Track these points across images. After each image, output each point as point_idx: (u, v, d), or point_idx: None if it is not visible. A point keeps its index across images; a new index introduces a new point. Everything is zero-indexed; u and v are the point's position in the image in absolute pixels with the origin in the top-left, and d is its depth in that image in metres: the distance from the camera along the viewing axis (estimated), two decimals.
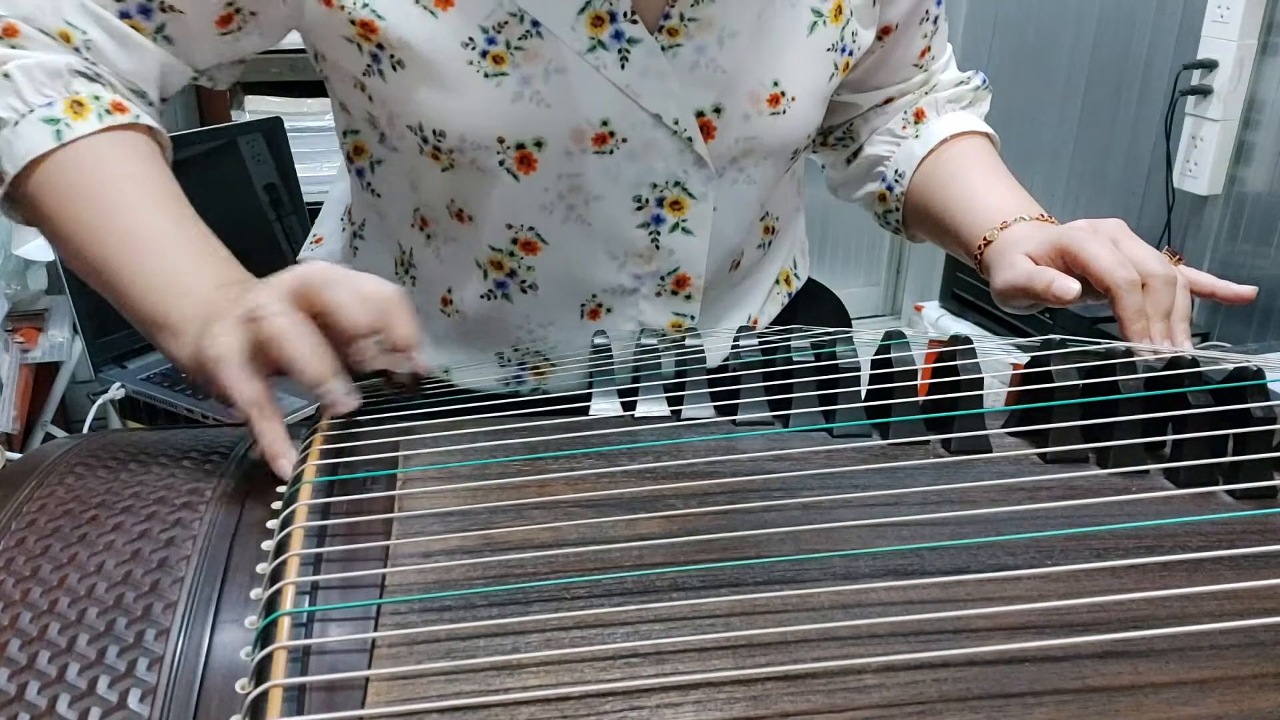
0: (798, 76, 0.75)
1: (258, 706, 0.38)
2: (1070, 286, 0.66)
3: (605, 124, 0.71)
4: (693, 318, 0.81)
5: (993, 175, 0.83)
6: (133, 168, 0.64)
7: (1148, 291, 0.66)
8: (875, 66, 0.86)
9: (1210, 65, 1.93)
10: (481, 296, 0.79)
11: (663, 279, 0.78)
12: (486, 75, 0.69)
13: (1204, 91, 1.95)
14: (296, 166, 1.82)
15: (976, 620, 0.43)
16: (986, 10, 2.51)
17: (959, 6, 2.56)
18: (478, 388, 0.82)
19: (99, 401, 1.49)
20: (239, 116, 1.89)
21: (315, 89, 1.89)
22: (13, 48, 0.65)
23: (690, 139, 0.73)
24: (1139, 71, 2.16)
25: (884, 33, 0.82)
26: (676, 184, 0.74)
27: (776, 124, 0.76)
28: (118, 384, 1.50)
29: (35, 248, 1.60)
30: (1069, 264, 0.69)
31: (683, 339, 0.65)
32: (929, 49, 0.87)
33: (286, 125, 1.82)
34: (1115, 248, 0.67)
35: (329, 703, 0.39)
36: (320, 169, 1.87)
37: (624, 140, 0.72)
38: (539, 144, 0.70)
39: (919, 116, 0.88)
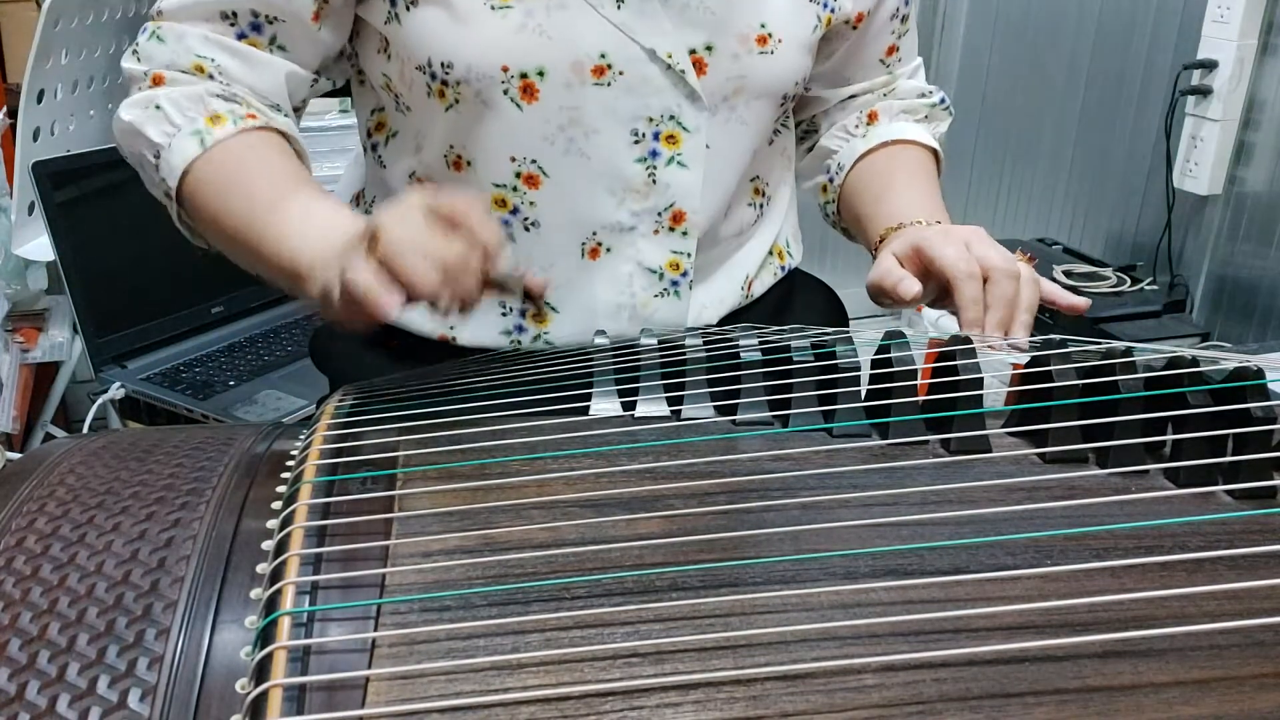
0: (783, 21, 0.80)
1: (258, 706, 0.38)
2: (911, 287, 0.72)
3: (603, 57, 0.75)
4: (690, 256, 0.83)
5: (912, 181, 0.88)
6: (263, 154, 0.73)
7: (989, 283, 0.71)
8: (845, 60, 0.90)
9: (1210, 65, 1.93)
10: None
11: (659, 215, 0.81)
12: (493, 8, 0.74)
13: (1204, 91, 1.95)
14: None
15: (976, 620, 0.43)
16: (986, 10, 2.51)
17: (959, 6, 2.56)
18: (480, 344, 0.83)
19: (99, 401, 1.49)
20: None
21: None
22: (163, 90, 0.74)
23: (683, 72, 0.77)
24: (1139, 71, 2.17)
25: (857, 20, 0.86)
26: (671, 118, 0.78)
27: (766, 64, 0.80)
28: (118, 384, 1.50)
29: (35, 247, 1.59)
30: (923, 261, 0.74)
31: (682, 339, 0.65)
32: (896, 48, 0.91)
33: None
34: (964, 248, 0.72)
35: (329, 702, 0.39)
36: (320, 169, 1.87)
37: (620, 73, 0.76)
38: (541, 74, 0.75)
39: (872, 118, 0.92)
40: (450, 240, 0.58)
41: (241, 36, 0.75)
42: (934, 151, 0.92)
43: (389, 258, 0.57)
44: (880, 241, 0.82)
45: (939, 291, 0.74)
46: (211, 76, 0.75)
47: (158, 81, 0.75)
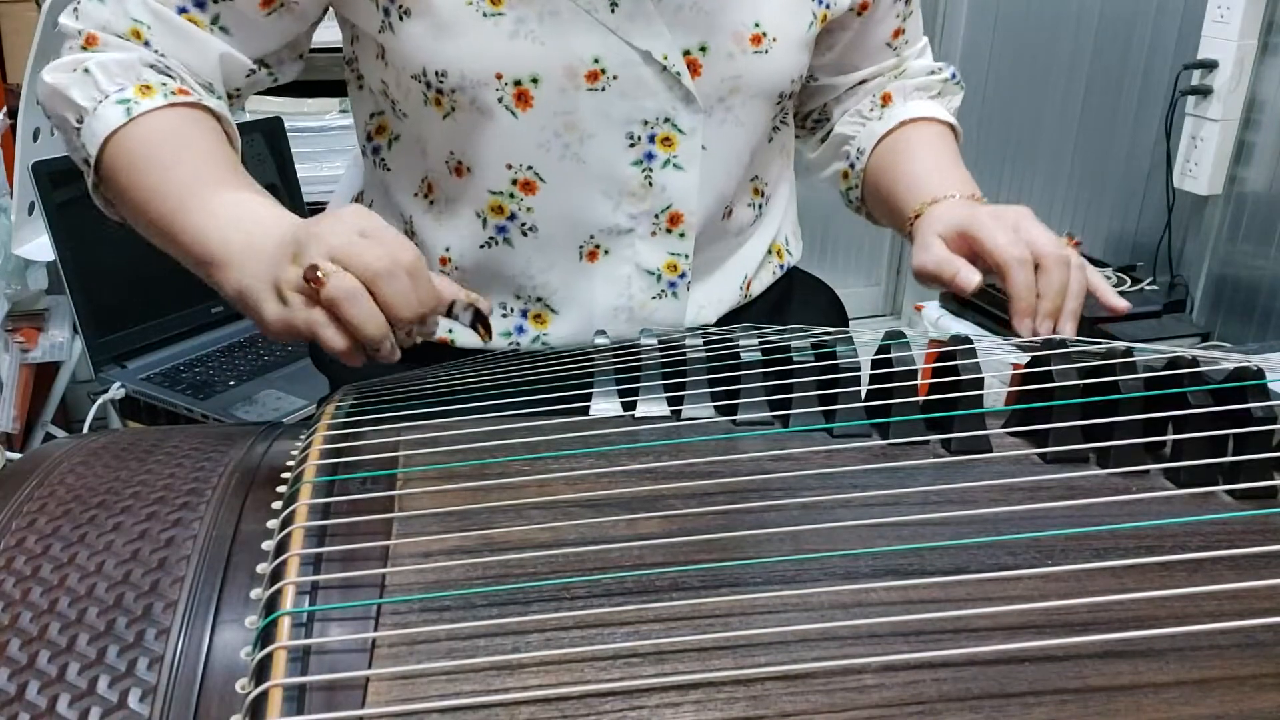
0: (777, 20, 0.80)
1: (258, 706, 0.38)
2: (971, 278, 0.72)
3: (597, 61, 0.75)
4: (687, 257, 0.83)
5: (938, 157, 0.87)
6: (191, 132, 0.70)
7: (1041, 270, 0.70)
8: (851, 47, 0.90)
9: (1210, 65, 1.93)
10: (481, 246, 0.81)
11: (656, 217, 0.81)
12: (485, 15, 0.73)
13: (1204, 91, 1.95)
14: (296, 166, 1.82)
15: (976, 620, 0.43)
16: (986, 10, 2.51)
17: (959, 6, 2.56)
18: (480, 347, 0.83)
19: (99, 401, 1.49)
20: (239, 116, 1.88)
21: (315, 89, 1.89)
22: (94, 53, 0.71)
23: (679, 74, 0.76)
24: (1139, 71, 2.16)
25: (862, 8, 0.86)
26: (666, 120, 0.78)
27: (760, 63, 0.80)
28: (118, 384, 1.50)
29: (35, 247, 1.60)
30: (970, 245, 0.73)
31: (682, 339, 0.65)
32: (902, 30, 0.91)
33: (286, 125, 1.81)
34: (1013, 232, 0.72)
35: (329, 702, 0.39)
36: (320, 169, 1.87)
37: (615, 78, 0.75)
38: (535, 80, 0.74)
39: (885, 100, 0.92)
40: (397, 286, 0.57)
41: (182, 10, 0.73)
42: (952, 126, 0.91)
43: (335, 303, 0.56)
44: (915, 217, 0.81)
45: (984, 270, 0.73)
46: (147, 43, 0.72)
47: (90, 42, 0.72)
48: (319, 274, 0.56)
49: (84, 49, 0.72)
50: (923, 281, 0.77)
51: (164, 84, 0.70)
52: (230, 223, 0.64)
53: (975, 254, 0.73)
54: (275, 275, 0.58)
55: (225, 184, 0.67)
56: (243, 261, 0.61)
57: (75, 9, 0.74)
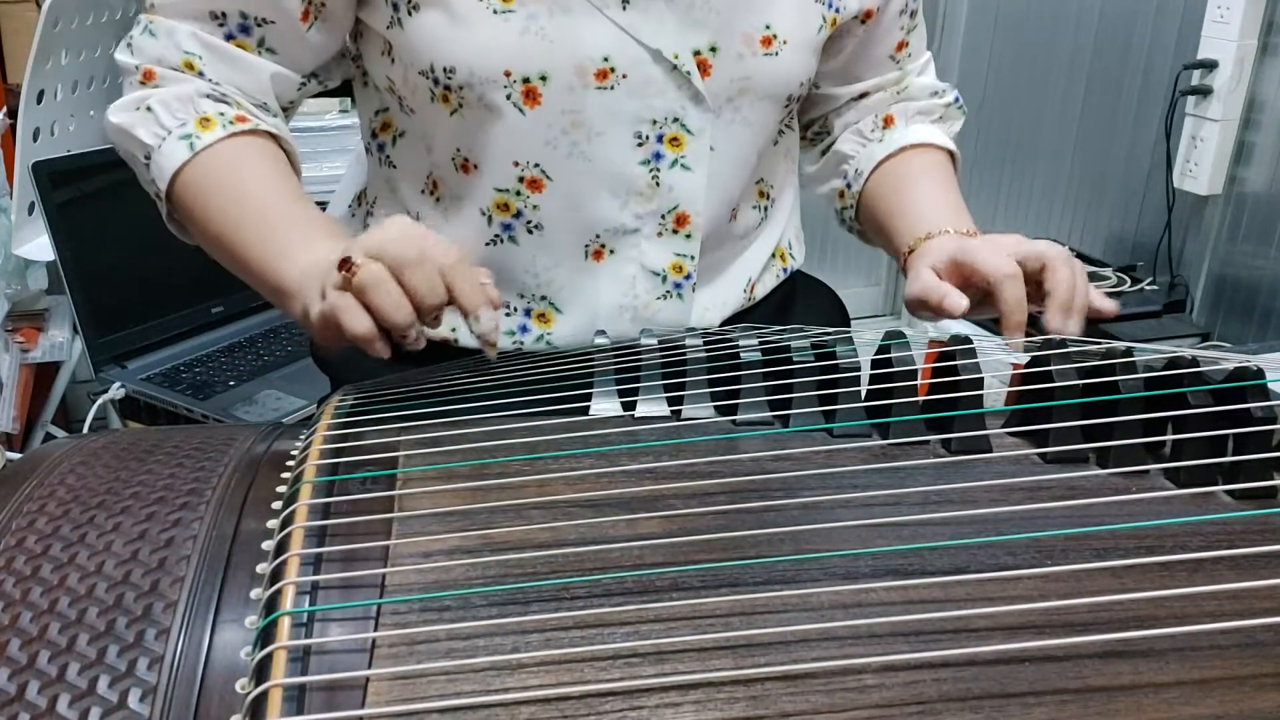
0: (788, 22, 0.80)
1: (258, 706, 0.38)
2: (959, 303, 0.73)
3: (606, 60, 0.75)
4: (693, 258, 0.83)
5: (936, 188, 0.87)
6: (253, 162, 0.74)
7: (1047, 270, 0.72)
8: (855, 56, 0.90)
9: (1210, 65, 1.93)
10: (486, 244, 0.82)
11: (663, 218, 0.81)
12: (495, 11, 0.74)
13: (1204, 91, 1.95)
14: None
15: (976, 620, 0.43)
16: (986, 10, 2.51)
17: (959, 6, 2.56)
18: (480, 346, 0.83)
19: (99, 401, 1.49)
20: None
21: None
22: (153, 90, 0.75)
23: (689, 73, 0.77)
24: (1139, 71, 2.16)
25: (866, 16, 0.86)
26: (675, 120, 0.78)
27: (770, 65, 0.80)
28: (118, 384, 1.50)
29: (35, 247, 1.59)
30: (963, 272, 0.75)
31: (682, 339, 0.65)
32: (906, 43, 0.91)
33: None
34: (1004, 253, 0.73)
35: (329, 703, 0.39)
36: (320, 169, 1.87)
37: (624, 76, 0.76)
38: (544, 78, 0.75)
39: (888, 122, 0.92)
40: (423, 274, 0.60)
41: (230, 37, 0.76)
42: (951, 153, 0.91)
43: (363, 289, 0.60)
44: (910, 252, 0.82)
45: (979, 297, 0.75)
46: (201, 74, 0.75)
47: (148, 77, 0.75)
48: (351, 264, 0.60)
49: (142, 84, 0.75)
50: (914, 311, 0.77)
51: (221, 114, 0.74)
52: (295, 254, 0.68)
53: (967, 282, 0.74)
54: (323, 282, 0.63)
55: (293, 220, 0.71)
56: (305, 286, 0.66)
57: (129, 44, 0.76)
